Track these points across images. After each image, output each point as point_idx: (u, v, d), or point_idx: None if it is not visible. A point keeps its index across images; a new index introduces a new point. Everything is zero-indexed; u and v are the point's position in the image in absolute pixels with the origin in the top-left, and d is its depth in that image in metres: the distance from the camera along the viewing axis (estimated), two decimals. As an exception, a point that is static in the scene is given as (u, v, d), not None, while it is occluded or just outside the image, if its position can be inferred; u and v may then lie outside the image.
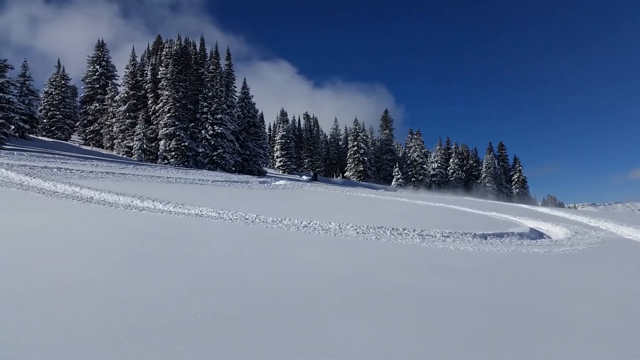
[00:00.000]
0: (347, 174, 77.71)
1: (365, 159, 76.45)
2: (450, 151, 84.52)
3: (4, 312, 4.30)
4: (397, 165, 75.08)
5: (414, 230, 12.03)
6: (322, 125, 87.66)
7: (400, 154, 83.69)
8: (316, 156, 78.94)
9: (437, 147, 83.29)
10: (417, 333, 4.75)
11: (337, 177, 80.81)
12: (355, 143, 76.65)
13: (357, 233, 11.17)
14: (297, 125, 80.00)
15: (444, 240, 11.48)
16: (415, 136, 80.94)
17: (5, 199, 11.73)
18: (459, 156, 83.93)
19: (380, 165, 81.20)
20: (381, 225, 12.26)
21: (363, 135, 77.42)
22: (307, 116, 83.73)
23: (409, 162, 78.58)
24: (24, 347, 3.70)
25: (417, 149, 78.79)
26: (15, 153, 26.17)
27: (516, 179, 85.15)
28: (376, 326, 4.81)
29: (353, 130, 77.85)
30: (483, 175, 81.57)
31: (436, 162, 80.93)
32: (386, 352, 4.26)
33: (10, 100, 31.16)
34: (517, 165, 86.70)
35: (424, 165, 78.43)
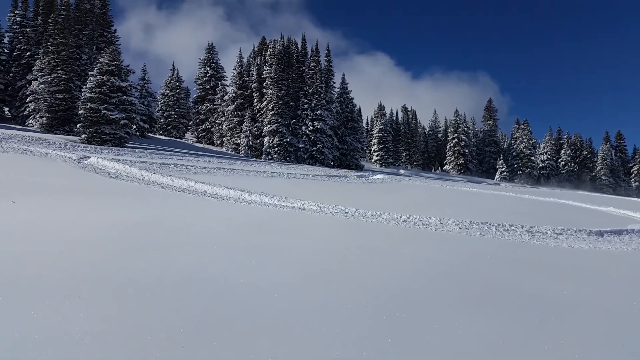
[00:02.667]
0: (446, 167, 75.46)
1: (466, 151, 73.65)
2: (561, 142, 78.46)
3: (142, 295, 4.91)
4: (501, 157, 71.36)
5: (522, 227, 11.49)
6: (420, 117, 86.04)
7: (505, 146, 79.42)
8: (414, 149, 77.58)
9: (547, 138, 77.73)
10: (543, 340, 4.63)
11: (435, 170, 78.77)
12: (456, 135, 74.12)
13: (460, 228, 10.94)
14: (394, 118, 79.19)
15: (556, 237, 10.83)
16: (523, 126, 76.29)
17: (130, 193, 13.08)
18: (571, 147, 77.61)
19: (483, 158, 77.73)
20: (485, 221, 11.87)
21: (464, 127, 74.63)
22: (405, 109, 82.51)
23: (514, 154, 74.32)
24: (162, 332, 4.22)
25: (525, 140, 74.23)
26: (136, 150, 28.96)
27: (636, 172, 76.80)
28: (494, 329, 4.76)
29: (453, 122, 75.35)
30: (598, 168, 74.72)
31: (545, 153, 75.59)
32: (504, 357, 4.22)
33: (132, 102, 34.47)
34: (637, 157, 78.15)
35: (532, 157, 73.69)
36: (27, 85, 38.85)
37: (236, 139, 47.84)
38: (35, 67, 37.69)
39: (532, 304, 5.50)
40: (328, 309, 4.85)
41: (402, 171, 55.81)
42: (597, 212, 18.18)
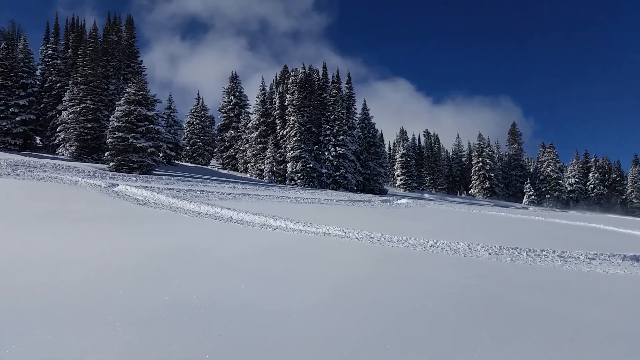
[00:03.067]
0: (472, 191, 74.49)
1: (492, 175, 72.72)
2: (589, 165, 76.86)
3: (170, 322, 4.91)
4: (528, 181, 70.13)
5: (554, 252, 11.18)
6: (443, 141, 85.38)
7: (531, 169, 78.16)
8: (438, 173, 76.98)
9: (574, 161, 76.32)
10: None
11: (461, 194, 77.80)
12: (480, 159, 73.37)
13: (489, 254, 10.70)
14: (417, 142, 78.98)
15: (589, 262, 10.50)
16: (549, 149, 75.11)
17: (158, 220, 13.24)
18: (599, 170, 75.89)
19: (509, 182, 76.56)
20: (515, 246, 11.61)
21: (488, 151, 73.87)
22: (427, 133, 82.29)
23: (541, 177, 73.01)
24: (181, 351, 4.19)
25: (551, 163, 72.94)
26: (164, 178, 29.46)
27: (669, 194, 74.38)
28: None
29: (477, 146, 74.68)
30: (629, 190, 72.76)
31: (573, 177, 74.08)
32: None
33: (159, 130, 35.25)
34: (668, 179, 75.82)
35: (560, 181, 72.25)
36: (57, 115, 40.15)
37: (260, 165, 48.29)
38: (65, 98, 39.01)
39: (570, 332, 5.30)
40: (355, 336, 4.75)
41: (426, 195, 55.33)
42: (631, 236, 17.60)
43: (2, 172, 21.54)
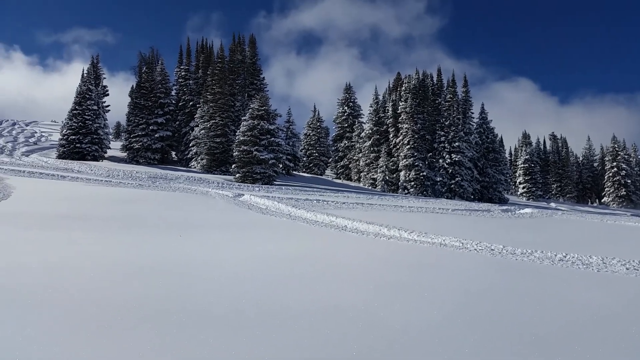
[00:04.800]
0: (605, 199, 67.38)
1: (628, 181, 65.10)
2: None
3: (267, 328, 5.26)
4: (677, 188, 61.72)
5: None
6: (571, 145, 78.58)
7: (678, 175, 68.67)
8: (566, 180, 70.85)
9: None
10: None
11: (592, 203, 70.79)
12: (615, 164, 66.15)
13: (627, 269, 9.72)
14: (542, 147, 73.56)
15: None
16: (702, 152, 65.48)
17: (279, 228, 14.01)
18: None
19: (649, 189, 67.99)
20: (659, 262, 10.39)
21: (624, 155, 66.34)
22: (553, 137, 76.30)
23: (692, 183, 63.81)
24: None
25: None
26: (283, 188, 30.98)
27: None
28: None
29: (611, 149, 67.49)
30: None
31: None
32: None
33: (279, 143, 37.22)
34: None
35: None
36: (190, 131, 44.25)
37: (373, 174, 48.54)
38: (196, 115, 42.88)
39: None
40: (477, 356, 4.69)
41: (553, 204, 51.27)
42: None
43: (144, 184, 24.31)
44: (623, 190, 65.08)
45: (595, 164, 76.44)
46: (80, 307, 5.27)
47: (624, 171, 65.52)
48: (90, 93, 42.03)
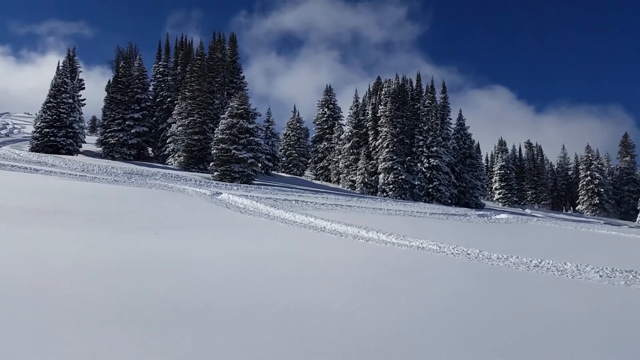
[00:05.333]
0: (579, 207, 68.90)
1: (602, 190, 66.70)
2: None
3: (255, 326, 5.16)
4: (644, 197, 63.41)
5: (678, 278, 10.04)
6: (546, 153, 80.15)
7: (647, 185, 70.55)
8: (541, 188, 72.25)
9: None
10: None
11: (567, 210, 72.31)
12: (588, 172, 67.71)
13: (600, 276, 9.88)
14: (517, 154, 74.89)
15: None
16: (670, 163, 67.50)
17: (257, 228, 13.87)
18: None
19: (621, 198, 69.68)
20: (630, 269, 10.61)
21: (597, 164, 67.97)
22: (529, 144, 77.76)
23: (661, 194, 65.66)
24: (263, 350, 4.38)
25: (673, 178, 65.43)
26: (262, 187, 30.76)
27: None
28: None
29: (585, 158, 69.05)
30: None
31: (701, 193, 65.75)
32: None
33: (259, 142, 36.96)
34: None
35: (685, 198, 64.48)
36: (167, 128, 43.59)
37: (352, 176, 48.65)
38: (174, 112, 42.29)
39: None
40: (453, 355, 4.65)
41: (528, 211, 52.18)
42: None
43: (119, 180, 23.81)
44: (597, 198, 66.62)
45: (570, 172, 78.13)
46: (54, 305, 5.06)
47: (597, 180, 67.08)
48: (65, 86, 41.05)
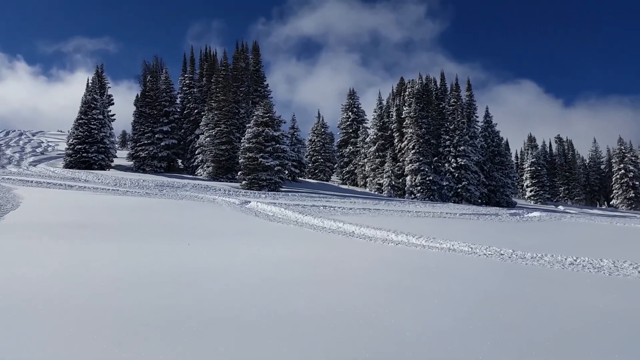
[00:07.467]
0: (613, 201, 66.88)
1: (636, 183, 64.59)
2: None
3: (277, 332, 5.23)
4: (686, 189, 61.13)
5: None
6: (577, 148, 78.18)
7: (688, 176, 68.02)
8: (573, 183, 70.43)
9: None
10: None
11: (600, 205, 70.30)
12: (622, 165, 65.68)
13: (639, 272, 9.63)
14: (547, 150, 73.26)
15: None
16: None
17: (286, 235, 13.99)
18: None
19: (660, 191, 67.42)
20: (672, 265, 10.28)
21: (631, 156, 65.85)
22: (559, 139, 76.00)
23: (702, 184, 63.20)
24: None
25: None
26: (289, 194, 30.98)
27: None
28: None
29: (617, 151, 67.03)
30: None
31: None
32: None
33: (284, 149, 37.26)
34: None
35: None
36: (195, 139, 44.37)
37: (379, 179, 48.45)
38: (201, 123, 43.01)
39: None
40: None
41: (561, 207, 50.99)
42: None
43: (151, 193, 24.37)
44: (632, 192, 64.56)
45: (602, 166, 75.98)
46: (92, 316, 5.27)
47: (631, 173, 65.02)
48: (95, 102, 42.29)
